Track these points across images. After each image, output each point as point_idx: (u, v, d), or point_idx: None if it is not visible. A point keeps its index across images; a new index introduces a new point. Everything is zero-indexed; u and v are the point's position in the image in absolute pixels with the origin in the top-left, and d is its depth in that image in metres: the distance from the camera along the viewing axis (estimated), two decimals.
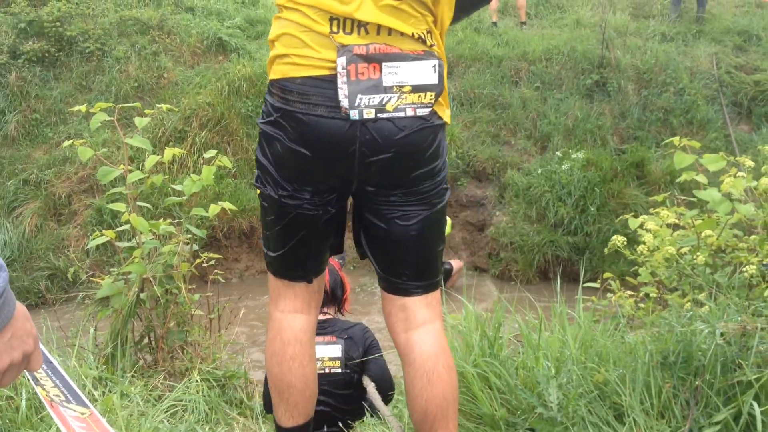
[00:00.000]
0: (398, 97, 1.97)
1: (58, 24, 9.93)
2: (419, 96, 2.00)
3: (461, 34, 11.29)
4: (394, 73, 1.96)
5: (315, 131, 1.97)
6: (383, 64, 1.95)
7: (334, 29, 1.94)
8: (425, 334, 2.19)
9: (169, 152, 4.19)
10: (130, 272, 4.19)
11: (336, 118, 1.95)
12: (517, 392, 2.46)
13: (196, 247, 4.48)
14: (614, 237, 3.84)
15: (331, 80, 1.94)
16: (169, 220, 4.39)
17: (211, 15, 10.94)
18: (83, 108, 4.09)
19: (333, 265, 3.86)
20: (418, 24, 2.00)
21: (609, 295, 4.07)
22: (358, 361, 3.52)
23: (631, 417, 2.43)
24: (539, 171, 9.35)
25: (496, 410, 2.47)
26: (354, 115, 1.94)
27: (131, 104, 4.61)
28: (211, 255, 4.66)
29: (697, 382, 2.46)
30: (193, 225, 4.44)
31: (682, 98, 10.25)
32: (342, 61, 1.93)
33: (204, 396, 3.73)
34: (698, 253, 3.58)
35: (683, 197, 4.38)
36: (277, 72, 2.03)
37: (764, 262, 3.40)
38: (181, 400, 3.62)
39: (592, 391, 2.52)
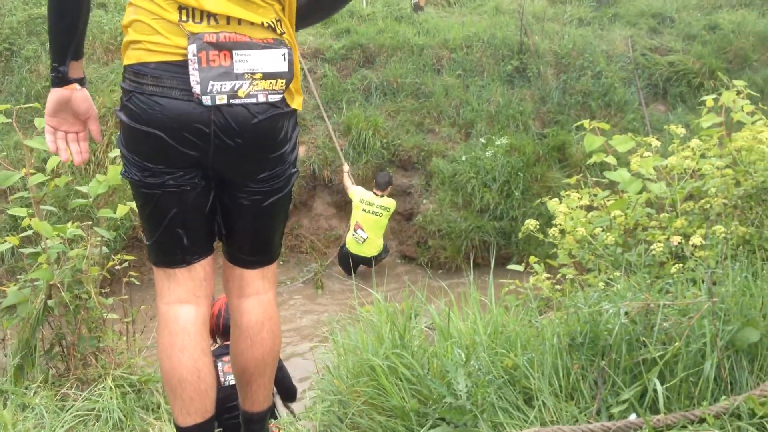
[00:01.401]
0: (250, 84, 2.02)
1: None
2: (270, 83, 2.06)
3: (382, 23, 11.25)
4: (245, 61, 2.01)
5: (169, 112, 1.99)
6: (234, 51, 2.00)
7: (183, 18, 1.97)
8: (256, 303, 2.35)
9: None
10: (38, 279, 4.05)
11: (190, 100, 1.98)
12: (427, 382, 2.43)
13: (106, 249, 4.34)
14: (527, 221, 3.86)
15: (184, 65, 1.97)
16: (77, 223, 4.24)
17: (124, 10, 10.58)
18: None
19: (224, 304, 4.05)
20: (267, 13, 2.06)
21: (532, 278, 4.09)
22: None
23: (540, 400, 2.43)
24: (464, 158, 9.38)
25: (406, 402, 2.44)
26: (206, 101, 1.98)
27: (31, 105, 4.43)
28: (125, 257, 4.51)
29: (603, 363, 2.48)
30: (107, 227, 4.30)
31: (600, 81, 10.43)
32: (192, 48, 1.95)
33: (118, 402, 3.62)
34: (608, 234, 3.62)
35: (595, 178, 4.44)
36: (130, 57, 2.02)
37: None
38: (93, 409, 3.51)
39: (502, 376, 2.51)
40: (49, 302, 3.98)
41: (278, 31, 2.08)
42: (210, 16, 1.98)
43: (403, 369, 2.50)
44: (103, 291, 4.29)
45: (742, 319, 2.39)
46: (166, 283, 2.26)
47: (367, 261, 8.72)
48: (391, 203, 8.82)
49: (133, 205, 4.06)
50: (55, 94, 2.18)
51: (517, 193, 9.11)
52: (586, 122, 4.24)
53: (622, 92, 10.40)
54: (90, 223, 4.23)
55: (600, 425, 2.32)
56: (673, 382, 2.34)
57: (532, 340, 2.62)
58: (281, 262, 9.13)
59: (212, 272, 2.33)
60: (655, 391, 2.34)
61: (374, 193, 8.76)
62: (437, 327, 2.77)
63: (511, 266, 4.32)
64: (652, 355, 2.37)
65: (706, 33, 11.56)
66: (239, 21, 2.01)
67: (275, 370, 2.47)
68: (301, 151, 9.54)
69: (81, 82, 2.19)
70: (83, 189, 4.09)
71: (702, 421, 2.23)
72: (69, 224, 4.21)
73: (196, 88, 1.97)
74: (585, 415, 2.41)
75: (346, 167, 9.17)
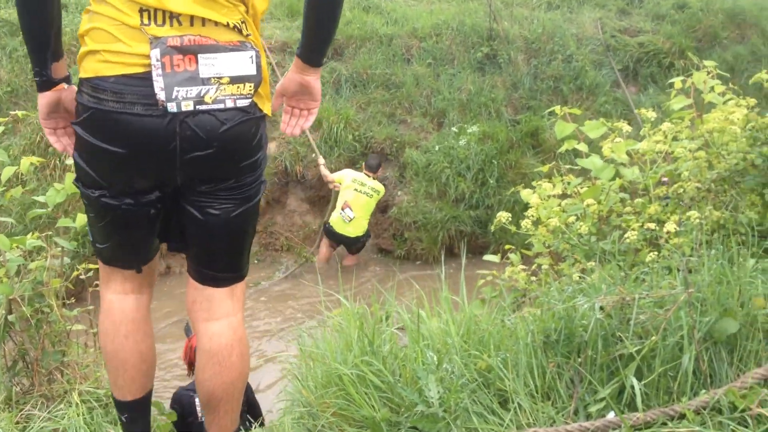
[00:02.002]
0: (216, 89, 1.94)
1: None
2: (238, 87, 1.98)
3: (350, 14, 11.09)
4: (211, 65, 1.92)
5: (131, 129, 1.91)
6: (199, 55, 1.91)
7: (145, 21, 1.88)
8: (225, 326, 2.27)
9: (26, 161, 3.89)
10: None
11: (153, 115, 1.89)
12: (398, 390, 2.34)
13: (68, 260, 4.20)
14: (499, 214, 3.78)
15: (145, 77, 1.88)
16: (36, 234, 4.10)
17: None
18: None
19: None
20: (232, 14, 1.98)
21: (507, 269, 4.02)
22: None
23: (515, 402, 2.35)
24: (437, 148, 9.30)
25: (376, 411, 2.35)
26: (172, 107, 1.89)
27: None
28: (90, 266, 4.37)
29: (579, 360, 2.40)
30: (68, 237, 4.16)
31: (571, 65, 10.37)
32: (156, 53, 1.86)
33: (84, 419, 3.50)
34: (581, 222, 3.54)
35: (569, 165, 4.36)
36: (88, 70, 1.93)
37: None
38: (57, 428, 3.38)
39: (476, 379, 2.42)
40: (10, 317, 3.84)
41: (244, 33, 2.01)
42: (173, 17, 1.90)
43: (372, 377, 2.40)
44: (67, 302, 4.15)
45: (720, 310, 2.32)
46: (112, 276, 2.29)
47: (349, 241, 8.70)
48: (381, 187, 8.81)
49: None
50: (45, 98, 2.11)
51: (491, 181, 9.04)
52: (557, 108, 4.16)
53: (593, 75, 10.35)
54: (50, 233, 4.08)
55: (578, 426, 2.24)
56: (651, 378, 2.27)
57: (506, 339, 2.53)
58: (255, 261, 9.01)
59: (156, 263, 2.37)
60: (633, 387, 2.26)
61: (365, 174, 8.71)
62: (408, 330, 2.67)
63: (487, 257, 4.25)
64: (629, 351, 2.29)
65: (674, 12, 11.54)
66: (203, 21, 1.92)
67: (242, 395, 2.39)
68: (272, 147, 9.40)
69: (67, 80, 2.12)
70: (40, 199, 3.95)
71: (682, 417, 2.16)
72: (30, 235, 4.07)
73: (161, 95, 1.88)
74: (562, 415, 2.33)
75: (321, 160, 9.05)
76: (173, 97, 1.88)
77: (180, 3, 1.88)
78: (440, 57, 10.46)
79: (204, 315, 2.29)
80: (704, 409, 2.16)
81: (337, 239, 8.77)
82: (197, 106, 1.92)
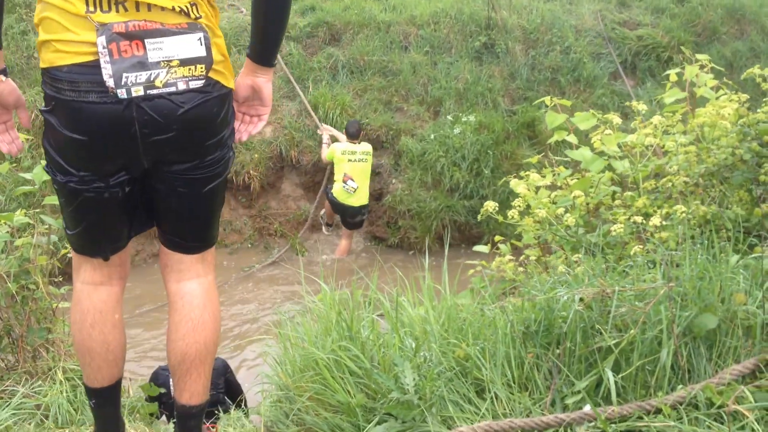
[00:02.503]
0: (167, 72, 1.94)
1: None
2: (189, 69, 1.97)
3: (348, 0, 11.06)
4: (158, 49, 1.93)
5: (89, 117, 1.92)
6: (146, 40, 1.91)
7: (91, 8, 1.89)
8: (197, 285, 2.30)
9: None
10: None
11: (108, 102, 1.90)
12: (374, 376, 2.33)
13: (55, 238, 4.18)
14: (486, 204, 3.76)
15: (96, 65, 1.88)
16: (23, 211, 4.08)
17: None
18: None
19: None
20: None
21: (496, 259, 4.00)
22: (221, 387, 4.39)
23: (492, 392, 2.34)
24: (432, 136, 9.26)
25: (353, 396, 2.34)
26: (122, 94, 1.89)
27: None
28: None
29: (558, 351, 2.39)
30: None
31: (569, 56, 10.33)
32: (102, 40, 1.87)
33: (67, 396, 3.49)
34: (568, 215, 3.53)
35: (562, 157, 4.34)
36: (45, 60, 1.94)
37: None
38: (40, 405, 3.38)
39: (453, 367, 2.41)
40: None
41: (192, 16, 1.98)
42: (118, 3, 1.89)
43: (349, 362, 2.39)
44: (55, 280, 4.15)
45: (701, 305, 2.31)
46: (83, 265, 2.28)
47: (353, 211, 8.78)
48: (369, 147, 8.90)
49: None
50: None
51: (486, 171, 9.01)
52: (547, 99, 4.14)
53: (591, 67, 10.31)
54: (38, 210, 4.06)
55: (554, 417, 2.23)
56: (629, 371, 2.26)
57: (485, 329, 2.51)
58: (249, 245, 9.00)
59: (128, 256, 2.37)
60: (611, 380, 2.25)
61: (350, 142, 8.77)
62: (387, 316, 2.66)
63: (477, 247, 4.24)
64: (607, 344, 2.28)
65: (674, 6, 11.51)
66: (149, 6, 1.92)
67: (214, 359, 2.40)
68: (268, 131, 9.37)
69: (4, 72, 2.09)
70: (27, 176, 3.93)
71: (658, 411, 2.15)
72: (17, 212, 4.05)
73: (110, 82, 1.87)
74: (539, 406, 2.32)
75: (325, 137, 9.15)
76: (122, 83, 1.88)
77: None
78: (438, 45, 10.42)
79: (175, 276, 2.32)
80: (681, 404, 2.15)
81: (339, 209, 8.86)
82: (148, 91, 1.91)
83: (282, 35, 2.23)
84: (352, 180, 8.63)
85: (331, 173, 9.01)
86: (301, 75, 9.87)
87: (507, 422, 2.23)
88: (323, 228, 9.34)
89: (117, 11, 1.89)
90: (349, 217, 8.92)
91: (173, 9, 1.94)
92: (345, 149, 8.70)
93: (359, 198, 8.72)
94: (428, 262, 3.13)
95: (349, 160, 8.65)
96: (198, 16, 2.00)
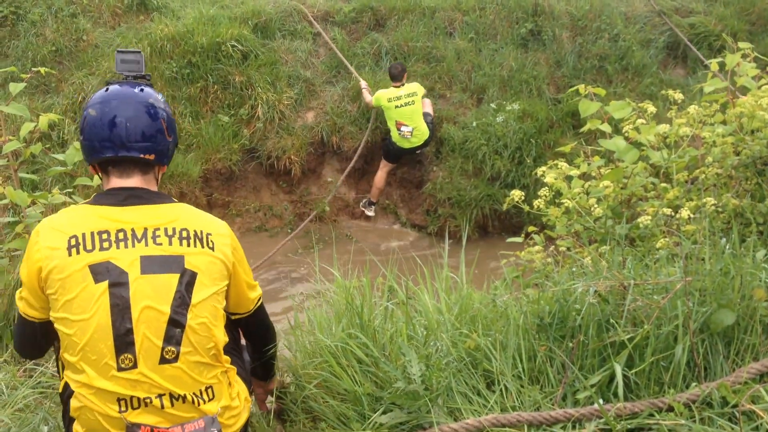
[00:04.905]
0: None
1: None
2: None
3: None
4: None
5: None
6: None
7: (122, 408, 2.12)
8: None
9: (44, 119, 3.93)
10: (17, 249, 3.98)
11: None
12: (381, 365, 2.30)
13: None
14: (512, 192, 3.70)
15: None
16: (57, 191, 4.15)
17: None
18: None
19: None
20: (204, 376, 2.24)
21: (530, 249, 3.95)
22: None
23: (502, 384, 2.30)
24: (474, 124, 9.17)
25: (360, 385, 2.32)
26: None
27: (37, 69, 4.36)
28: None
29: (571, 345, 2.34)
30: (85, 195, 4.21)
31: (617, 44, 10.09)
32: None
33: None
34: (596, 206, 3.45)
35: (591, 147, 4.24)
36: None
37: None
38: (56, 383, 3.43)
39: (464, 358, 2.38)
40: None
41: (206, 398, 2.21)
42: (144, 401, 2.12)
43: (357, 350, 2.37)
44: None
45: (719, 300, 2.23)
46: None
47: (421, 148, 9.03)
48: (415, 86, 8.89)
49: None
50: None
51: (529, 161, 8.87)
52: (581, 87, 4.05)
53: (641, 56, 10.05)
54: (70, 191, 4.13)
55: (563, 412, 2.18)
56: (642, 367, 2.19)
57: (497, 320, 2.47)
58: (289, 230, 9.04)
59: None
60: (625, 375, 2.19)
61: (394, 87, 8.79)
62: (401, 305, 2.63)
63: (510, 239, 4.20)
64: (621, 338, 2.22)
65: None
66: (171, 399, 2.15)
67: None
68: (310, 116, 9.39)
69: None
70: (59, 157, 4.00)
71: (671, 409, 2.09)
72: (54, 191, 4.12)
73: None
74: (549, 400, 2.27)
75: (363, 83, 9.22)
76: None
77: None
78: (483, 31, 10.28)
79: None
80: (694, 402, 2.09)
81: (404, 153, 9.06)
82: None
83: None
84: (405, 125, 8.70)
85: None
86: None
87: (515, 415, 2.19)
88: (366, 211, 9.35)
89: (145, 406, 2.12)
90: (409, 155, 9.15)
91: (193, 402, 2.18)
92: (390, 96, 8.73)
93: (419, 138, 8.84)
94: (464, 250, 3.10)
95: (396, 107, 8.69)
96: (211, 398, 2.23)
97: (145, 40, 9.18)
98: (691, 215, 2.99)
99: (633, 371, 2.20)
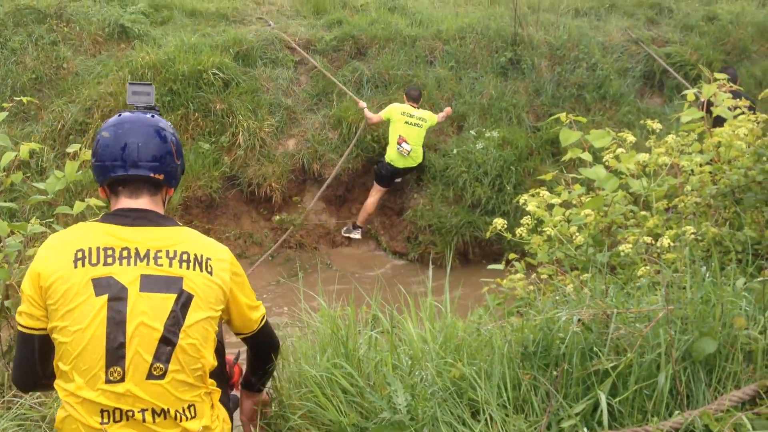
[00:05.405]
0: None
1: None
2: None
3: (375, 13, 11.09)
4: None
5: None
6: None
7: (105, 420, 2.16)
8: None
9: (25, 148, 3.91)
10: None
11: None
12: (367, 395, 2.30)
13: None
14: (495, 220, 3.72)
15: None
16: (37, 220, 4.11)
17: (113, 1, 10.45)
18: None
19: None
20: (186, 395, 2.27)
21: (507, 277, 3.96)
22: None
23: (487, 413, 2.30)
24: (455, 151, 9.24)
25: (346, 415, 2.31)
26: None
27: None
28: None
29: (555, 373, 2.35)
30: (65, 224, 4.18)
31: (595, 73, 10.25)
32: None
33: None
34: (577, 233, 3.48)
35: (572, 175, 4.29)
36: None
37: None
38: (45, 416, 3.39)
39: (449, 387, 2.38)
40: (7, 303, 3.86)
41: (188, 416, 2.24)
42: (126, 414, 2.17)
43: (342, 380, 2.37)
44: None
45: (700, 328, 2.25)
46: None
47: (411, 170, 9.17)
48: (428, 114, 9.09)
49: (93, 201, 3.96)
50: None
51: (509, 188, 8.96)
52: (562, 115, 4.10)
53: (618, 84, 10.22)
54: (50, 220, 4.10)
55: None
56: (626, 395, 2.21)
57: (483, 348, 2.48)
58: (270, 258, 9.01)
59: None
60: (609, 404, 2.21)
61: (411, 105, 8.98)
62: (386, 334, 2.63)
63: (492, 266, 4.21)
64: (605, 366, 2.23)
65: (704, 23, 11.37)
66: (153, 414, 2.19)
67: None
68: (291, 144, 9.42)
69: None
70: (40, 185, 3.97)
71: None
72: (33, 221, 4.09)
73: None
74: (534, 429, 2.27)
75: (362, 103, 9.32)
76: None
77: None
78: (463, 60, 10.41)
79: None
80: (677, 430, 2.10)
81: (397, 175, 9.13)
82: None
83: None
84: (406, 142, 8.80)
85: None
86: (325, 88, 9.92)
87: None
88: (352, 235, 9.39)
89: (127, 420, 2.16)
90: (397, 178, 9.22)
91: (175, 417, 2.22)
92: (404, 111, 8.90)
93: (414, 159, 8.98)
94: (448, 278, 3.11)
95: (406, 122, 8.84)
96: (193, 416, 2.25)
97: (125, 68, 9.19)
98: (671, 243, 3.03)
99: (617, 399, 2.21)
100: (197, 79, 9.12)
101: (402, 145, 8.76)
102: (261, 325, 2.53)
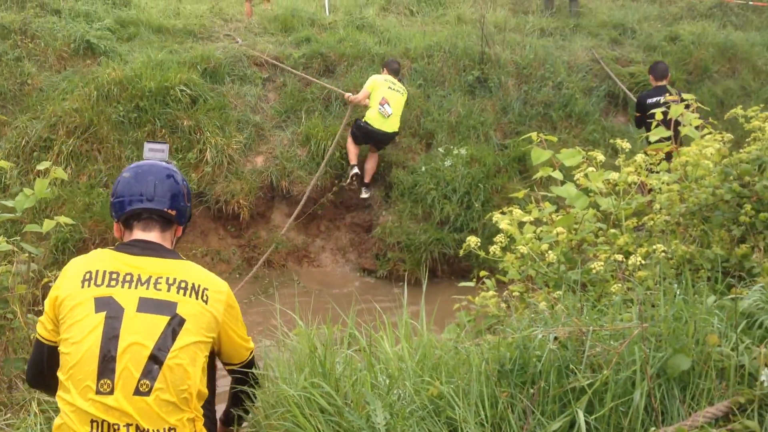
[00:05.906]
0: None
1: None
2: None
3: (343, 32, 11.14)
4: None
5: None
6: None
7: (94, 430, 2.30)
8: None
9: None
10: None
11: None
12: (345, 414, 2.30)
13: (35, 266, 4.16)
14: (468, 239, 3.75)
15: None
16: (3, 238, 4.06)
17: (79, 17, 10.37)
18: None
19: None
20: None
21: (479, 295, 3.98)
22: None
23: (465, 431, 2.31)
24: (423, 169, 9.28)
25: None
26: None
27: None
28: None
29: (532, 390, 2.37)
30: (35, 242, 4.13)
31: (561, 92, 10.39)
32: None
33: (41, 429, 3.44)
34: (549, 251, 3.52)
35: (543, 193, 4.34)
36: None
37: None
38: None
39: (426, 406, 2.38)
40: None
41: None
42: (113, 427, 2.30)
43: (320, 399, 2.36)
44: (34, 309, 4.12)
45: (674, 345, 2.29)
46: None
47: (386, 137, 9.20)
48: (406, 89, 9.44)
49: (61, 219, 3.91)
50: None
51: (477, 205, 9.01)
52: (534, 134, 4.15)
53: (583, 103, 10.36)
54: (18, 238, 4.04)
55: None
56: (602, 412, 2.23)
57: (460, 367, 2.49)
58: (237, 275, 8.95)
59: None
60: (585, 421, 2.23)
61: (392, 77, 9.28)
62: (363, 353, 2.63)
63: (462, 283, 4.22)
64: (581, 384, 2.26)
65: (666, 44, 11.59)
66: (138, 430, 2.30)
67: None
68: (259, 161, 9.39)
69: None
70: (8, 203, 3.92)
71: None
72: (1, 239, 4.03)
73: None
74: None
75: (347, 94, 9.50)
76: None
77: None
78: (431, 78, 10.48)
79: None
80: None
81: (371, 137, 9.19)
82: None
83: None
84: (388, 105, 8.97)
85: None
86: (294, 106, 9.91)
87: None
88: (363, 192, 9.47)
89: None
90: (378, 143, 9.30)
91: None
92: (387, 78, 9.18)
93: (391, 124, 9.09)
94: (424, 295, 3.12)
95: (389, 88, 9.07)
96: None
97: (91, 84, 9.10)
98: (642, 261, 3.07)
99: (593, 417, 2.23)
100: (164, 96, 9.06)
101: (384, 106, 8.95)
102: (248, 359, 2.72)
